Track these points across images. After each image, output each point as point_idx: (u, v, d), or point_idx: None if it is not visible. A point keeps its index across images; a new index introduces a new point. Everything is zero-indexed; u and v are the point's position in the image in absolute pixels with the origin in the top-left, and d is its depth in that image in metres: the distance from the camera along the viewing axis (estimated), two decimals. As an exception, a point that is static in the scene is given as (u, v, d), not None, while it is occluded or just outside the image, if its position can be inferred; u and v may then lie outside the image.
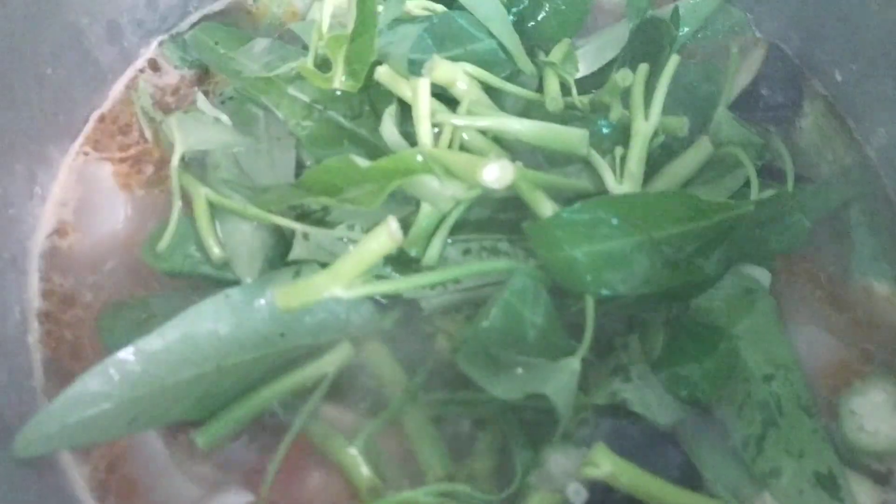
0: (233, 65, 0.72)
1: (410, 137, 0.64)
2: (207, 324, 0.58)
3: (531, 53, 0.74)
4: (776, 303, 0.64)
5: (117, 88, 0.77)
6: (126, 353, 0.55)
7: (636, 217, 0.56)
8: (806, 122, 0.78)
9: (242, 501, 0.59)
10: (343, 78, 0.65)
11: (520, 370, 0.55)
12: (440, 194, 0.57)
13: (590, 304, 0.58)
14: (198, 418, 0.59)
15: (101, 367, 0.55)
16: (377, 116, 0.67)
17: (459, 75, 0.64)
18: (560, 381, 0.55)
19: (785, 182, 0.69)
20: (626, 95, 0.68)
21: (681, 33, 0.77)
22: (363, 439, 0.58)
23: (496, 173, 0.54)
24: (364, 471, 0.58)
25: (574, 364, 0.56)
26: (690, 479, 0.58)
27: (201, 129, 0.68)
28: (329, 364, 0.60)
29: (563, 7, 0.77)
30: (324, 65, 0.67)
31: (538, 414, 0.58)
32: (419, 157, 0.55)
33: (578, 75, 0.72)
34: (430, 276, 0.58)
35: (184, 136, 0.68)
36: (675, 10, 0.75)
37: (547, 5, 0.77)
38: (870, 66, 0.74)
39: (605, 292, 0.58)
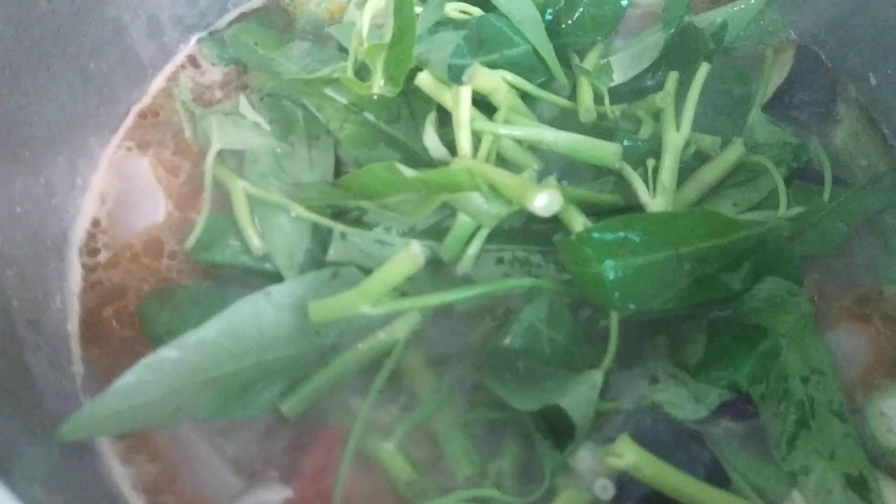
0: (272, 65, 0.73)
1: (447, 142, 0.65)
2: (249, 319, 0.59)
3: (565, 56, 0.75)
4: (815, 308, 0.65)
5: (157, 83, 0.79)
6: (174, 346, 0.57)
7: (664, 234, 0.57)
8: (841, 126, 0.78)
9: (280, 497, 0.61)
10: (382, 83, 0.67)
11: (540, 382, 0.57)
12: (485, 211, 0.59)
13: (614, 319, 0.59)
14: (235, 416, 0.60)
15: (151, 360, 0.56)
16: (414, 120, 0.69)
17: (499, 83, 0.65)
18: (578, 393, 0.57)
19: (822, 184, 0.70)
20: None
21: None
22: (399, 436, 0.60)
23: (545, 201, 0.56)
24: (402, 465, 0.59)
25: (596, 377, 0.58)
26: (717, 478, 0.59)
27: (240, 131, 0.70)
28: (399, 330, 0.61)
29: (599, 6, 0.78)
30: (363, 68, 0.68)
31: (565, 416, 0.59)
32: (468, 174, 0.56)
33: (612, 84, 0.73)
34: (457, 292, 0.59)
35: (221, 135, 0.70)
36: (724, 24, 0.75)
37: (583, 4, 0.77)
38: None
39: (633, 308, 0.59)
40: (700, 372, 0.62)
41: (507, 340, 0.59)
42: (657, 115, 0.68)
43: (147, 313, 0.68)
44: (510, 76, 0.67)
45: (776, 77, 0.78)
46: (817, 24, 0.81)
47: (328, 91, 0.70)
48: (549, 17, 0.76)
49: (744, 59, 0.80)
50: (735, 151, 0.70)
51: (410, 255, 0.54)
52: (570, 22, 0.78)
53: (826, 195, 0.69)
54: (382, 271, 0.56)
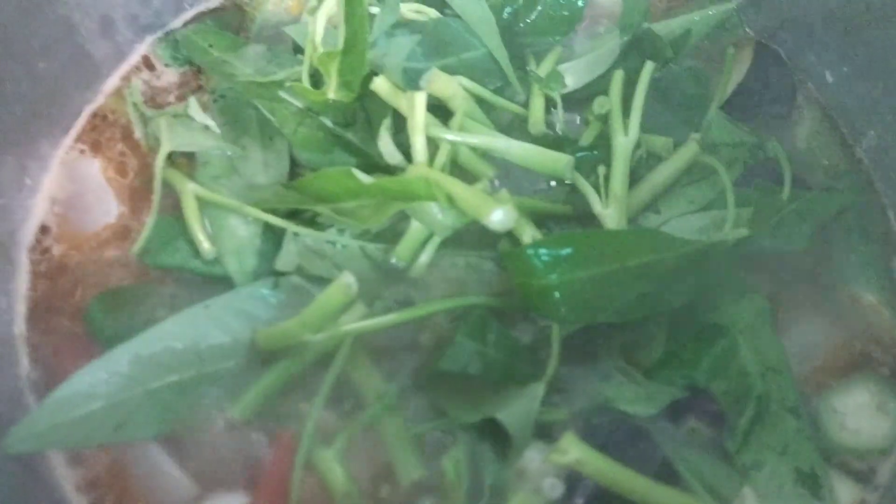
0: (226, 68, 0.73)
1: (402, 147, 0.65)
2: (187, 332, 0.59)
3: (521, 58, 0.75)
4: (770, 305, 0.66)
5: (110, 84, 0.77)
6: (115, 355, 0.57)
7: (610, 250, 0.57)
8: (801, 126, 0.78)
9: (238, 503, 0.60)
10: (336, 90, 0.66)
11: (482, 395, 0.58)
12: (440, 222, 0.59)
13: (556, 332, 0.60)
14: (179, 429, 0.60)
15: (91, 367, 0.56)
16: (370, 124, 0.68)
17: (457, 89, 0.65)
18: (518, 405, 0.57)
19: (783, 183, 0.70)
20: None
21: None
22: (340, 443, 0.60)
23: (500, 216, 0.57)
24: (339, 475, 0.59)
25: (537, 389, 0.58)
26: (665, 475, 0.59)
27: (189, 133, 0.69)
28: (346, 325, 0.61)
29: (557, 7, 0.77)
30: (319, 72, 0.68)
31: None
32: (425, 184, 0.56)
33: (567, 90, 0.73)
34: (397, 315, 0.60)
35: (171, 137, 0.69)
36: (686, 33, 0.74)
37: (540, 5, 0.77)
38: (860, 67, 0.75)
39: (576, 320, 0.59)
40: (657, 370, 0.63)
41: (441, 364, 0.60)
42: (605, 119, 0.68)
43: (95, 315, 0.67)
44: (467, 82, 0.67)
45: (735, 75, 0.77)
46: (775, 21, 0.81)
47: (282, 94, 0.69)
48: (507, 15, 0.76)
49: (700, 56, 0.80)
50: (689, 151, 0.69)
51: (343, 286, 0.56)
52: (527, 21, 0.77)
53: (785, 194, 0.69)
54: (319, 302, 0.58)
